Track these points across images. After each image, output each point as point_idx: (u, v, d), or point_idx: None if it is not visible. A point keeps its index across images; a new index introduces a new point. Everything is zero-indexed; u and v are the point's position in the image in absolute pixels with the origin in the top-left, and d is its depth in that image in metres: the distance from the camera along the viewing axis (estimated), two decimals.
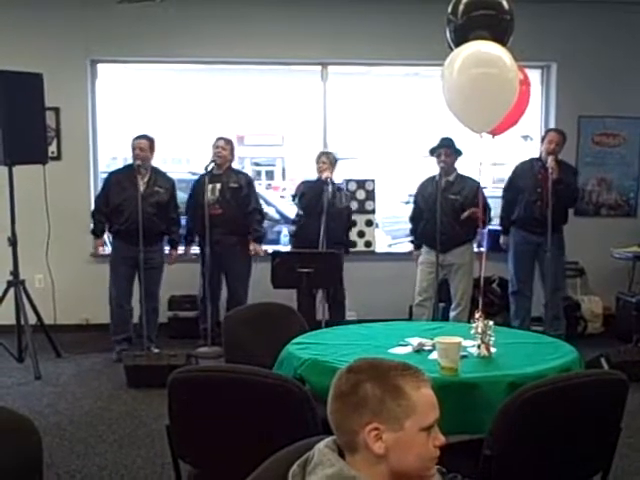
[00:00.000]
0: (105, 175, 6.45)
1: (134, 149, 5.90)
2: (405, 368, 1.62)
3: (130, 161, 6.09)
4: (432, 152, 5.88)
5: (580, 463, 2.53)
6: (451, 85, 3.72)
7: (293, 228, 6.48)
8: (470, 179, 5.95)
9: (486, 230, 6.09)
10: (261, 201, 6.61)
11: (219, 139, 6.23)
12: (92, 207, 6.30)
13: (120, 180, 6.01)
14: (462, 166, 6.01)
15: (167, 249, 6.26)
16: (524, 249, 6.18)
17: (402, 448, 1.56)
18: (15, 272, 5.68)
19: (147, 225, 5.77)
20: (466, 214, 5.79)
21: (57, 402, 4.94)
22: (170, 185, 6.14)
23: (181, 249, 6.42)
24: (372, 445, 1.56)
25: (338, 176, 6.44)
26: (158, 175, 6.07)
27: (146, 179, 5.90)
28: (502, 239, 6.39)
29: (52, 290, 6.00)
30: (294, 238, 6.41)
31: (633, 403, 2.88)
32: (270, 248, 6.68)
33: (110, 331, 6.08)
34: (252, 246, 6.27)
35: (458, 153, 5.88)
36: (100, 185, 6.49)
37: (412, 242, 6.39)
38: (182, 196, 6.62)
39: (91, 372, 5.70)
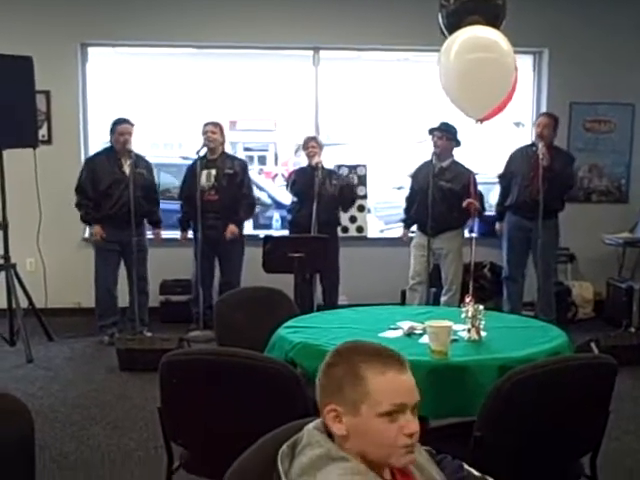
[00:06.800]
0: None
1: (122, 134, 5.87)
2: (376, 353, 1.62)
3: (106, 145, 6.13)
4: (430, 132, 5.87)
5: (569, 444, 2.55)
6: (448, 70, 3.72)
7: (289, 216, 6.48)
8: (464, 167, 5.93)
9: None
10: (253, 186, 6.59)
11: (207, 124, 6.21)
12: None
13: (104, 164, 5.97)
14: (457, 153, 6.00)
15: (149, 233, 6.25)
16: (517, 235, 6.19)
17: (360, 433, 1.58)
18: (6, 255, 5.68)
19: (136, 208, 5.77)
20: (464, 205, 5.76)
21: (49, 385, 4.95)
22: (150, 167, 6.19)
23: (171, 234, 6.41)
24: (332, 426, 1.60)
25: (329, 161, 6.43)
26: (138, 158, 6.05)
27: (129, 162, 5.87)
28: (497, 225, 6.41)
29: (43, 274, 6.00)
30: (291, 225, 6.40)
31: (623, 387, 2.91)
32: (262, 233, 6.68)
33: (96, 317, 6.08)
34: (230, 227, 6.16)
35: (455, 142, 5.86)
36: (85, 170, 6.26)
37: (403, 221, 6.39)
38: (173, 181, 6.61)
39: (83, 355, 5.71)
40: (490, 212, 6.58)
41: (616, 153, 7.23)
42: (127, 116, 6.06)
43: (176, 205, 6.50)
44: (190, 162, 6.39)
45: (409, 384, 1.60)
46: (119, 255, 6.02)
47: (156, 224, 6.31)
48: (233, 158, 6.51)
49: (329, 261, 5.83)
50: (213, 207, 6.09)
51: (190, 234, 6.37)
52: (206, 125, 6.21)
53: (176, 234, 6.46)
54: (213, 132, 6.17)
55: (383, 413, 1.56)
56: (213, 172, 6.17)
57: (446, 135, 5.82)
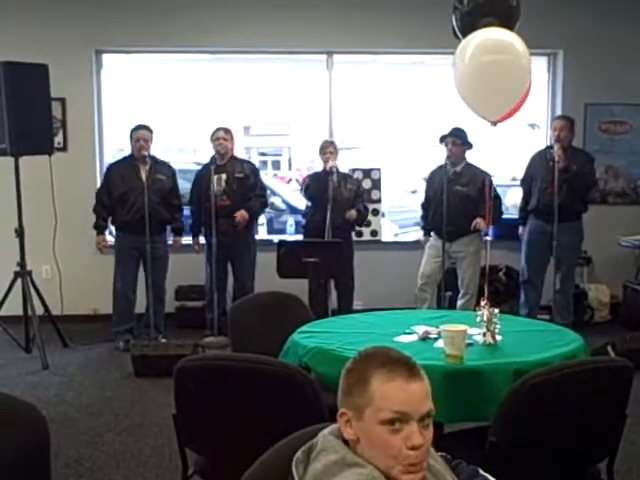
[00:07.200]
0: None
1: (137, 140, 5.91)
2: (386, 360, 1.59)
3: (128, 152, 6.14)
4: (441, 140, 5.86)
5: (585, 450, 2.53)
6: (463, 73, 3.71)
7: (304, 220, 6.47)
8: (479, 170, 5.90)
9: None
10: (268, 192, 6.60)
11: (218, 130, 6.22)
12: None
13: (121, 171, 6.01)
14: (471, 155, 5.98)
15: (170, 239, 6.27)
16: (538, 238, 6.10)
17: (365, 439, 1.57)
18: (22, 263, 5.71)
19: (152, 214, 5.79)
20: (472, 226, 5.76)
21: (65, 392, 4.97)
22: (171, 173, 6.18)
23: (188, 240, 6.42)
24: (343, 430, 1.60)
25: (343, 165, 6.43)
26: (158, 164, 6.07)
27: (147, 168, 5.89)
28: (520, 229, 6.37)
29: (59, 281, 6.02)
30: (305, 230, 6.40)
31: None
32: (276, 238, 6.68)
33: (112, 322, 6.10)
34: (241, 211, 6.13)
35: (467, 145, 5.85)
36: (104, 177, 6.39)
37: (422, 227, 6.39)
38: (187, 186, 6.61)
39: (98, 362, 5.72)
40: (507, 215, 6.55)
41: (632, 154, 7.17)
42: (142, 122, 6.09)
43: (188, 211, 6.50)
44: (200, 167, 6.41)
45: (417, 393, 1.56)
46: (137, 261, 6.04)
47: (177, 232, 6.30)
48: (242, 161, 6.50)
49: (344, 266, 5.82)
50: (225, 212, 6.09)
51: (202, 239, 6.38)
52: (217, 131, 6.22)
53: (190, 240, 6.46)
54: (225, 139, 6.19)
55: (385, 421, 1.54)
56: (223, 177, 6.17)
57: (458, 140, 5.81)
